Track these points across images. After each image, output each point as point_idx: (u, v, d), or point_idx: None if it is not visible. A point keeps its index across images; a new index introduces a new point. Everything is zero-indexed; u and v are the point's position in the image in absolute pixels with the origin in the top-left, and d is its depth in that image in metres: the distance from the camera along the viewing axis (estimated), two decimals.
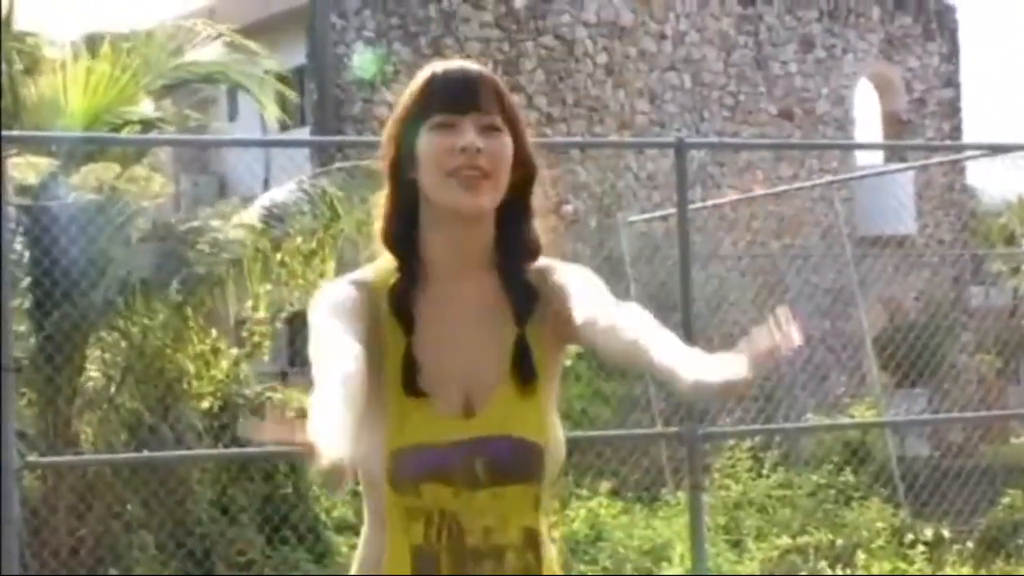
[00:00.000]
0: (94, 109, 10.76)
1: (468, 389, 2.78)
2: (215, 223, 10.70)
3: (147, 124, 11.35)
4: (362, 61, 19.19)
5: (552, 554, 2.87)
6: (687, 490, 8.77)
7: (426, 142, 2.77)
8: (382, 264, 2.87)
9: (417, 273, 2.83)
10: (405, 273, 2.83)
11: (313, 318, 2.75)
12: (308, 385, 2.70)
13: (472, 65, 2.85)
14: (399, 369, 2.78)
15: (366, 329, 2.74)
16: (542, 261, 2.89)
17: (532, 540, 2.81)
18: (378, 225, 2.88)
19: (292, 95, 11.87)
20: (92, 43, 11.15)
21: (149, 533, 10.30)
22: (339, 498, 10.46)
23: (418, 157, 2.78)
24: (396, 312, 2.81)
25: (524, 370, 2.80)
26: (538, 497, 2.81)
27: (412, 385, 2.77)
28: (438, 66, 2.85)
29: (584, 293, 2.77)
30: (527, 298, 2.84)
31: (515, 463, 2.76)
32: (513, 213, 2.84)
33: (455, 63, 2.85)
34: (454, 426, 2.76)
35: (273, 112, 11.43)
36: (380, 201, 2.89)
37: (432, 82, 2.81)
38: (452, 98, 2.78)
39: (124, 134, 11.09)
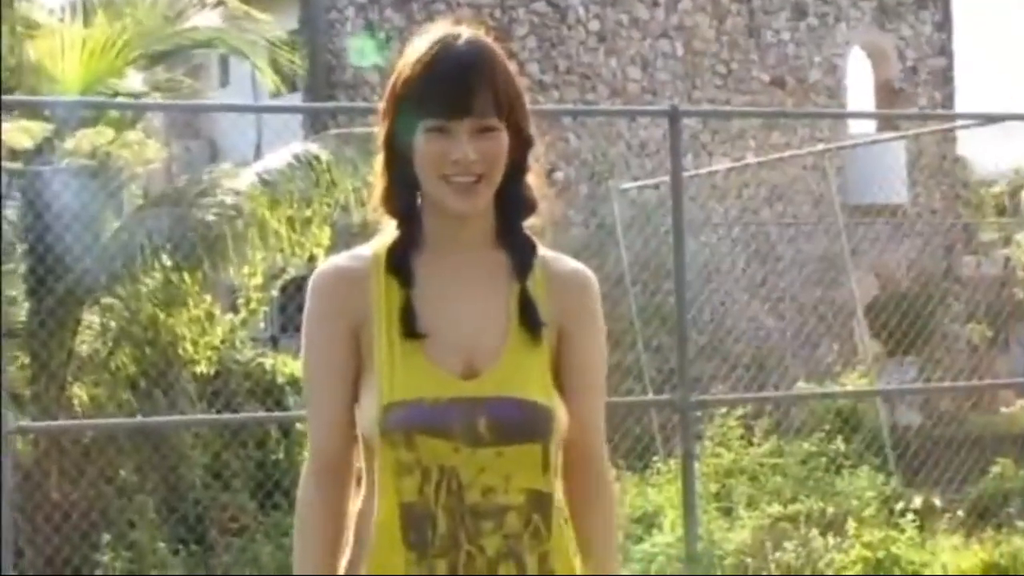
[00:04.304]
0: (90, 75, 10.71)
1: (470, 352, 2.76)
2: (214, 186, 10.67)
3: (140, 94, 11.30)
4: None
5: (563, 523, 2.80)
6: (679, 458, 8.80)
7: (421, 144, 2.77)
8: (381, 238, 2.87)
9: (417, 236, 2.83)
10: (405, 233, 2.83)
11: (304, 329, 2.84)
12: (298, 351, 2.72)
13: (470, 52, 2.78)
14: (396, 320, 2.77)
15: (348, 327, 2.80)
16: (558, 255, 2.90)
17: (540, 503, 2.75)
18: (377, 191, 2.88)
19: (294, 61, 11.78)
20: (87, 10, 11.09)
21: (145, 497, 10.31)
22: None
23: (414, 150, 2.78)
24: (394, 268, 2.81)
25: (531, 320, 2.80)
26: (546, 458, 2.75)
27: (411, 328, 2.76)
28: (437, 48, 2.78)
29: (586, 356, 2.88)
30: (526, 253, 2.85)
31: (521, 423, 2.73)
32: (510, 175, 2.83)
33: (453, 47, 2.78)
34: (454, 385, 2.73)
35: (271, 78, 11.37)
36: (377, 168, 2.89)
37: (429, 77, 2.76)
38: (447, 103, 2.75)
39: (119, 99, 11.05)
